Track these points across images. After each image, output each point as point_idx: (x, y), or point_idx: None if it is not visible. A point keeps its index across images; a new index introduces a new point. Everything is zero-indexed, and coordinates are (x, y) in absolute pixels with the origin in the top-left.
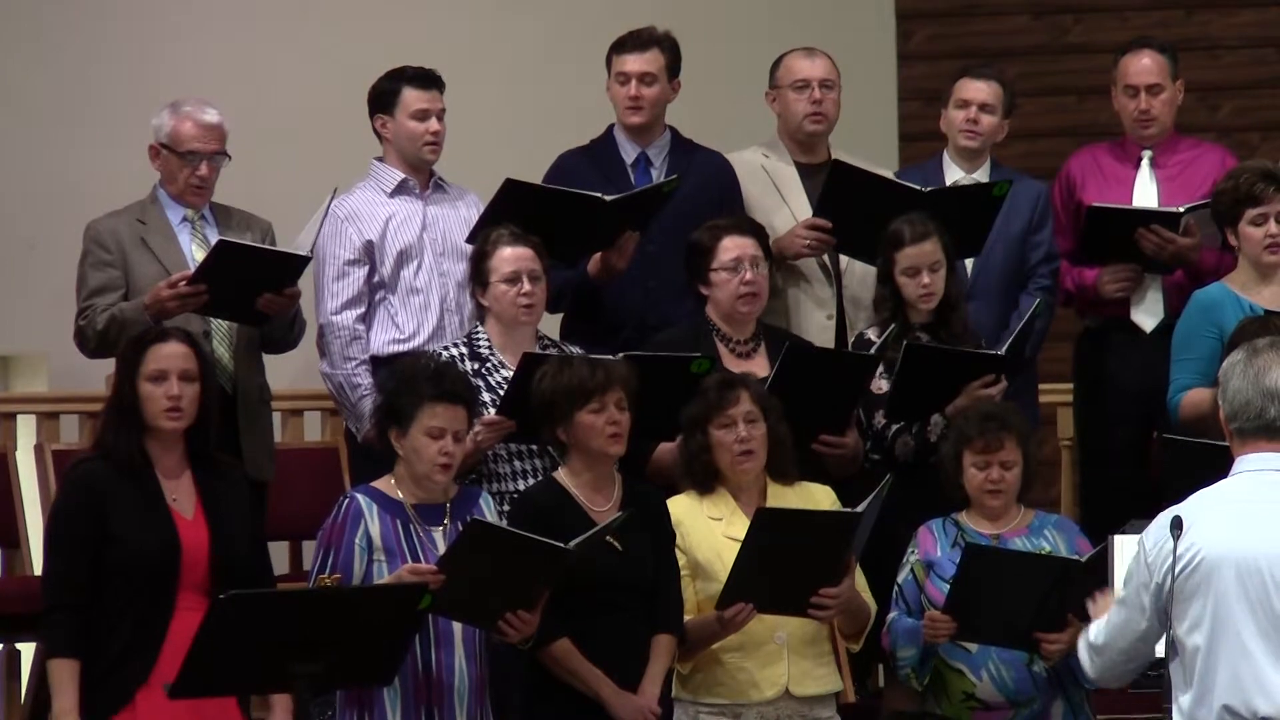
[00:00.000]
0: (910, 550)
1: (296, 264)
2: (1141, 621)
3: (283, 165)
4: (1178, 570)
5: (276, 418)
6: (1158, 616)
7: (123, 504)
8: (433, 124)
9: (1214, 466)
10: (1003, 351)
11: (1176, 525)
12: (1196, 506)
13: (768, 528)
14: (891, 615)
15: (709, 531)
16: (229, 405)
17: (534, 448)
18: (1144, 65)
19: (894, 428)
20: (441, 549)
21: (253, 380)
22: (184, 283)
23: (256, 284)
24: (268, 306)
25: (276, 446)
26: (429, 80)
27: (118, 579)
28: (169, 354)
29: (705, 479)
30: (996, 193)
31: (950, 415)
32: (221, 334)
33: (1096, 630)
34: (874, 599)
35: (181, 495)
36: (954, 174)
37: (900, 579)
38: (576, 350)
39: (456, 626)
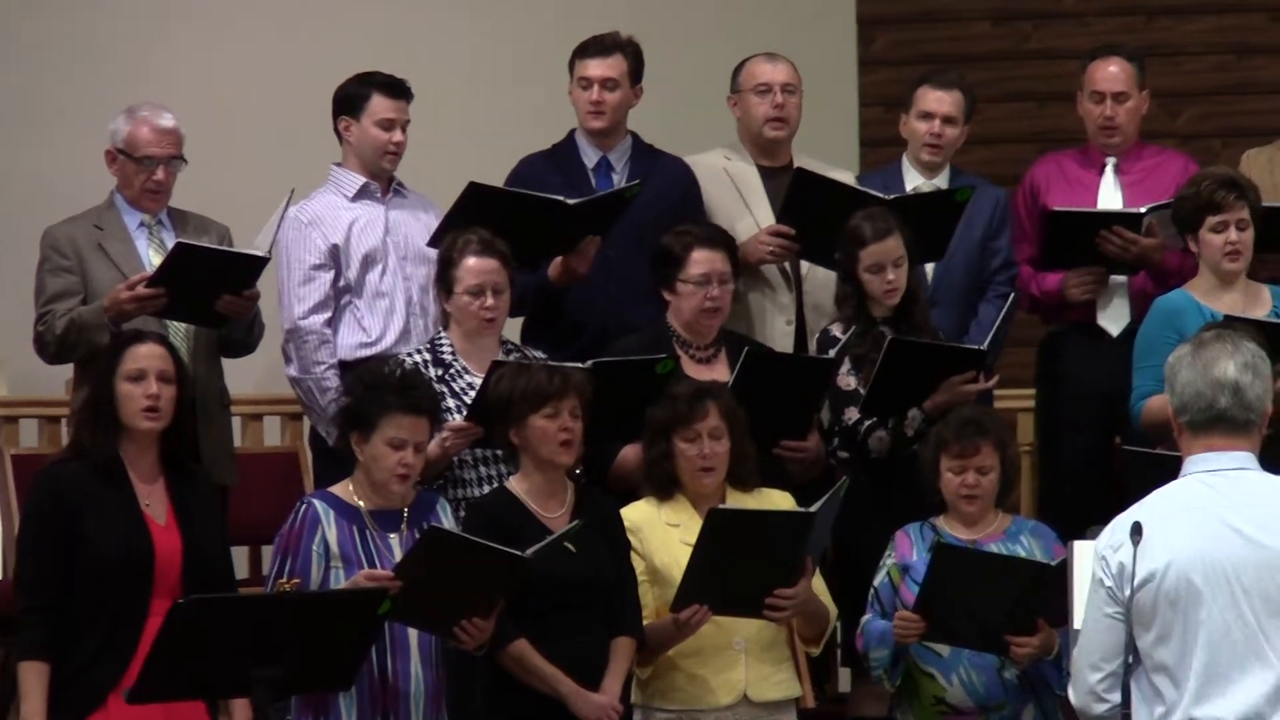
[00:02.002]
0: (887, 554)
1: (255, 265)
2: (1113, 628)
3: (240, 169)
4: (1137, 582)
5: (236, 422)
6: (1124, 623)
7: (97, 507)
8: (396, 134)
9: (1174, 476)
10: (985, 346)
11: (1136, 531)
12: (1153, 514)
13: (721, 528)
14: (865, 617)
15: (667, 538)
16: (189, 410)
17: (499, 454)
18: (1111, 72)
19: (867, 423)
20: (398, 555)
21: (212, 384)
22: (142, 285)
23: (215, 286)
24: (226, 308)
25: (236, 451)
26: (399, 90)
27: (90, 582)
28: (147, 354)
29: (665, 486)
30: (959, 198)
31: (928, 410)
32: (179, 337)
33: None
34: (851, 600)
35: (155, 500)
36: (914, 179)
37: (876, 582)
38: (540, 356)
39: (412, 633)
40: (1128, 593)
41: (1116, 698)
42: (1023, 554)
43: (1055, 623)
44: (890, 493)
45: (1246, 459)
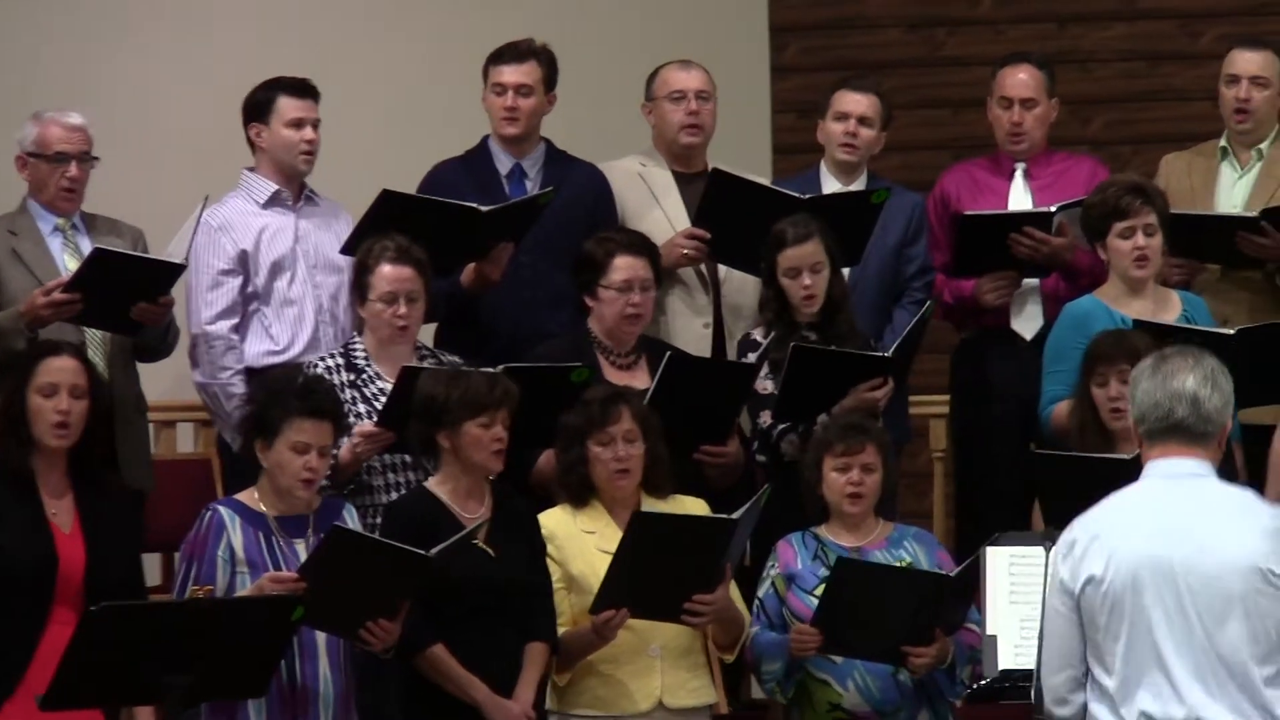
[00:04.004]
0: (770, 564)
1: (171, 272)
2: (1073, 629)
3: (152, 174)
4: (1085, 580)
5: (150, 428)
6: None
7: (2, 514)
8: (308, 132)
9: (1087, 479)
10: (890, 353)
11: (1082, 533)
12: (1108, 515)
13: (642, 532)
14: (754, 629)
15: (583, 545)
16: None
17: (408, 459)
18: (1020, 79)
19: (780, 427)
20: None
21: (129, 390)
22: (58, 291)
23: (131, 293)
24: (142, 315)
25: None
26: (304, 90)
27: None
28: (60, 368)
29: (580, 491)
30: (875, 200)
31: (836, 415)
32: (96, 343)
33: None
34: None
35: (62, 510)
36: (831, 185)
37: (761, 593)
38: (455, 360)
39: (321, 636)
40: (1077, 590)
41: (1081, 698)
42: (908, 560)
43: (949, 631)
44: (799, 498)
45: (1203, 466)
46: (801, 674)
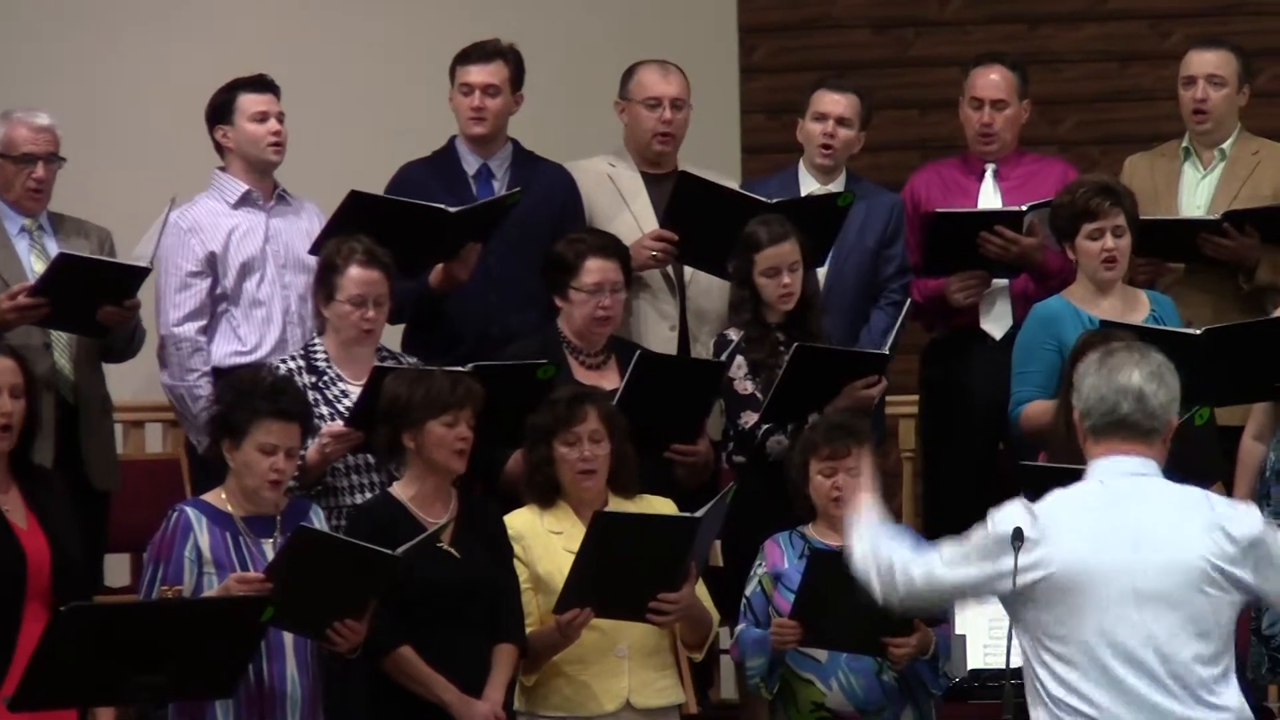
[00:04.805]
0: (757, 563)
1: (136, 276)
2: (977, 587)
3: (120, 174)
4: (1023, 580)
5: (118, 429)
6: (991, 596)
7: None
8: (272, 124)
9: None
10: (887, 350)
11: (1018, 537)
12: (1051, 513)
13: (607, 531)
14: (740, 627)
15: (550, 545)
16: (71, 416)
17: (371, 461)
18: (991, 80)
19: (764, 427)
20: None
21: (95, 391)
22: (24, 295)
23: (97, 296)
24: (107, 318)
25: (118, 458)
26: (263, 85)
27: None
28: None
29: (546, 492)
30: (841, 203)
31: (829, 414)
32: (62, 345)
33: (919, 560)
34: (740, 605)
35: (13, 506)
36: (809, 185)
37: (748, 592)
38: (414, 361)
39: (287, 637)
40: (1009, 587)
41: (909, 603)
42: None
43: (931, 622)
44: (785, 498)
45: (1147, 465)
46: (784, 669)
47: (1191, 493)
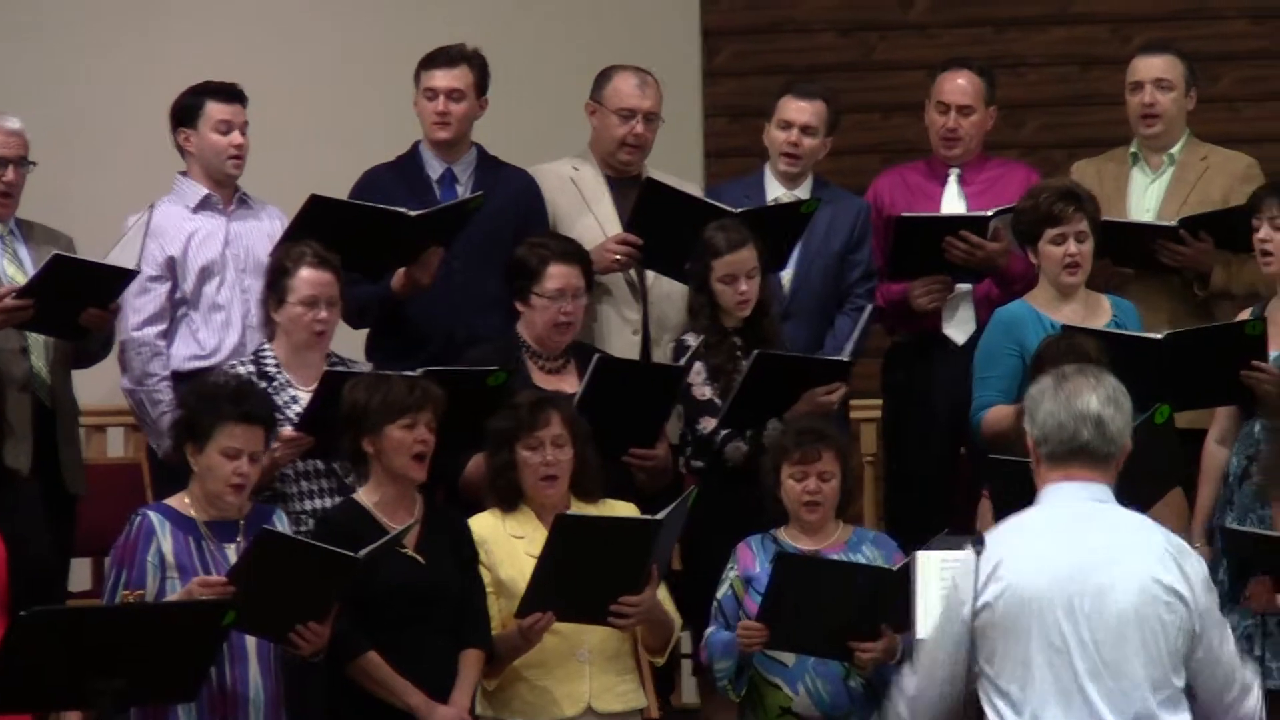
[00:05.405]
0: (730, 566)
1: (123, 279)
2: (953, 662)
3: (88, 181)
4: (980, 605)
5: (80, 433)
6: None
7: None
8: (235, 137)
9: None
10: (847, 357)
11: (979, 542)
12: (1003, 542)
13: (568, 535)
14: (709, 630)
15: (512, 549)
16: (48, 419)
17: (321, 466)
18: (958, 85)
19: (723, 433)
20: None
21: (67, 395)
22: (11, 296)
23: (82, 299)
24: (90, 321)
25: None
26: (231, 94)
27: None
28: None
29: (509, 496)
30: (804, 210)
31: (789, 421)
32: (39, 348)
33: (909, 680)
34: (700, 609)
35: None
36: (775, 190)
37: (719, 594)
38: (364, 367)
39: (251, 641)
40: (967, 613)
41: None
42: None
43: (898, 628)
44: (742, 503)
45: (1103, 491)
46: (752, 672)
47: (1145, 521)
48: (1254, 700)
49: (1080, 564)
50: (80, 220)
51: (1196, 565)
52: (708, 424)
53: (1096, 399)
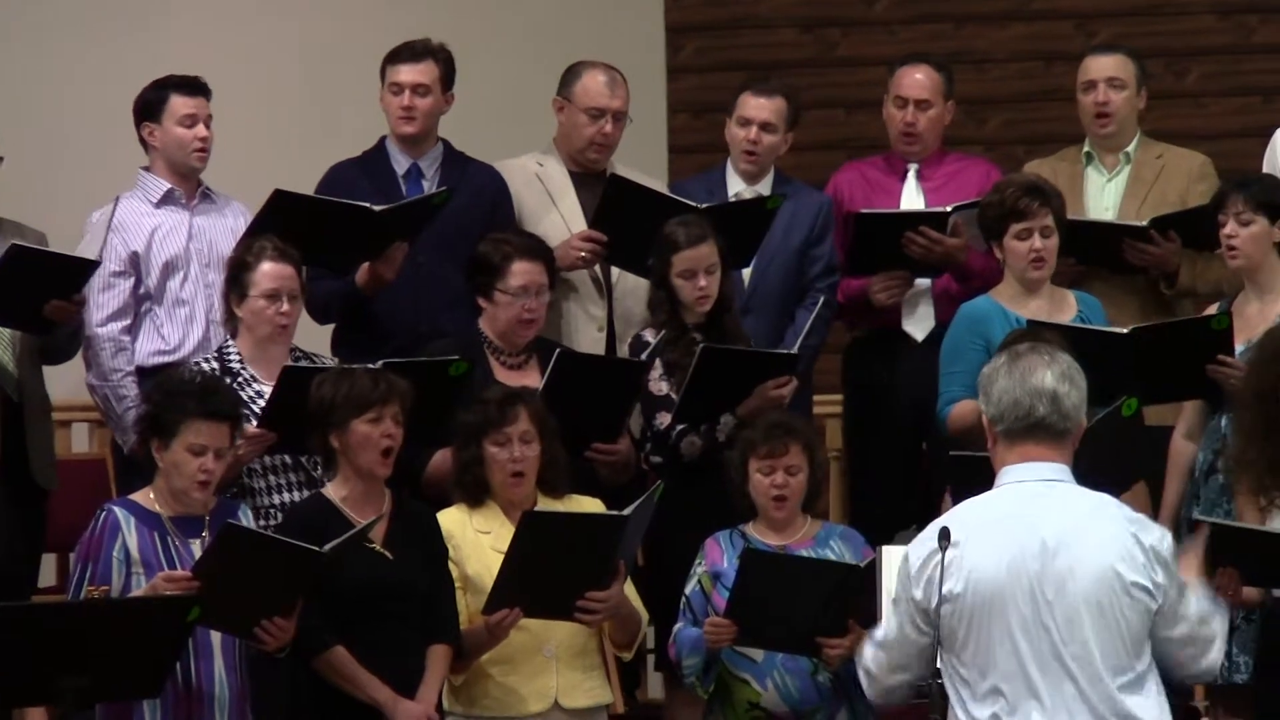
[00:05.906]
0: (698, 562)
1: (85, 269)
2: (919, 639)
3: (53, 176)
4: (944, 592)
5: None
6: (930, 634)
7: None
8: (200, 130)
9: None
10: (795, 350)
11: (944, 537)
12: (962, 525)
13: (535, 530)
14: (678, 626)
15: (478, 545)
16: (15, 414)
17: (289, 460)
18: (916, 79)
19: (679, 428)
20: None
21: (37, 390)
22: None
23: (45, 291)
24: (55, 313)
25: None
26: (195, 87)
27: None
28: None
29: (475, 492)
30: (769, 206)
31: (741, 415)
32: (5, 341)
33: (873, 656)
34: (663, 605)
35: None
36: (736, 185)
37: (688, 590)
38: (328, 361)
39: (215, 636)
40: (935, 603)
41: (904, 683)
42: (833, 558)
43: (866, 624)
44: (701, 498)
45: (1060, 470)
46: (721, 670)
47: (1103, 501)
48: (1216, 653)
49: (1039, 551)
50: (51, 216)
51: (1158, 536)
52: (664, 419)
53: (1051, 375)
